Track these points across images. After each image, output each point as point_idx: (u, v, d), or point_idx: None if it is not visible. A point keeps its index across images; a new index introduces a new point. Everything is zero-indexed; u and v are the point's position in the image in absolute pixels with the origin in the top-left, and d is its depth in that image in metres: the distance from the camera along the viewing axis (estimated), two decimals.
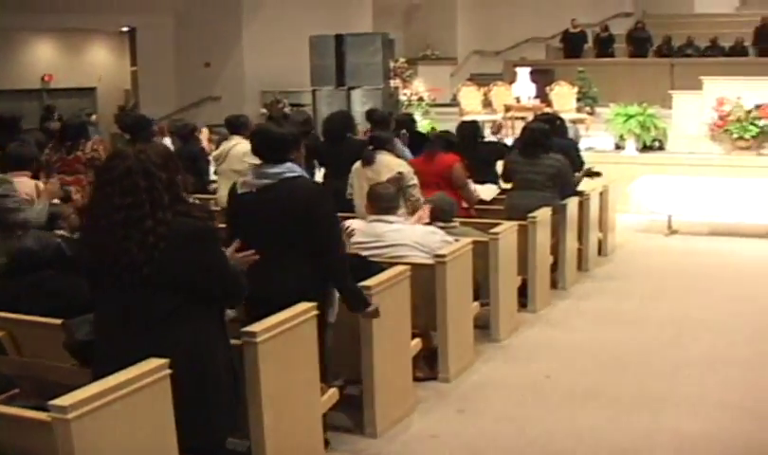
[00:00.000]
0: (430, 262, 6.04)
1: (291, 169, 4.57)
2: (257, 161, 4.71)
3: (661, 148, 14.07)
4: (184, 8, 18.86)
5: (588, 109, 17.70)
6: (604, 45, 23.17)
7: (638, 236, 11.59)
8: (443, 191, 7.57)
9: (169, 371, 3.42)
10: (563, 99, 17.65)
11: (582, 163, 9.92)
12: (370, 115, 10.13)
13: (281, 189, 4.54)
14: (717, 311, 8.09)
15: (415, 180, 7.63)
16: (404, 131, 9.68)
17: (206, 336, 3.56)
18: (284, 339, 4.31)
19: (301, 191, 4.58)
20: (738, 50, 22.18)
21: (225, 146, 9.11)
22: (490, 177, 9.44)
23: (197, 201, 6.75)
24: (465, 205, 8.33)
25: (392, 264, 5.60)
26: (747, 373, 6.41)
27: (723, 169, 12.73)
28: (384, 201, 6.24)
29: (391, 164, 7.68)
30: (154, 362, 3.41)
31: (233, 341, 3.96)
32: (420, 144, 9.15)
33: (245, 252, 3.99)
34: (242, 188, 4.68)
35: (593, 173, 9.88)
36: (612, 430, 5.42)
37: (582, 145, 11.69)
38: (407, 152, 8.91)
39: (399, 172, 7.54)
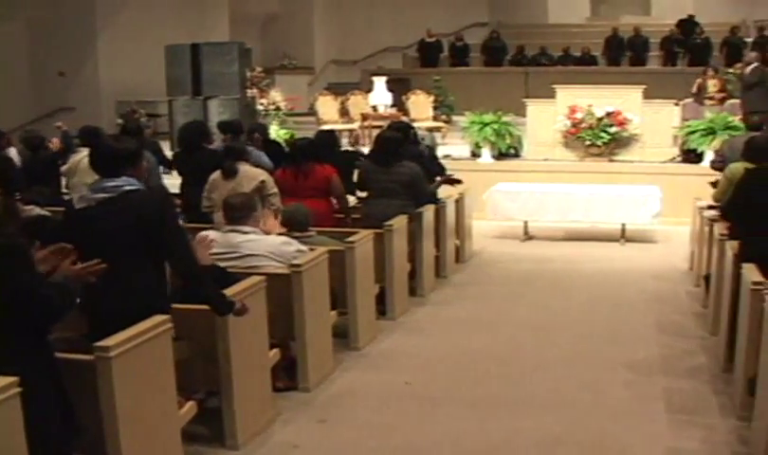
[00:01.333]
0: (286, 271, 6.12)
1: (129, 182, 4.47)
2: None
3: (516, 155, 14.45)
4: (36, 15, 18.34)
5: (444, 117, 18.10)
6: (460, 55, 23.69)
7: (495, 242, 11.91)
8: (318, 202, 7.66)
9: (18, 389, 3.40)
10: (420, 107, 17.99)
11: (442, 169, 10.16)
12: (222, 125, 10.11)
13: (121, 201, 4.45)
14: (573, 314, 8.43)
15: (276, 189, 7.72)
16: (257, 134, 9.75)
17: (23, 354, 3.53)
18: (139, 353, 4.28)
19: (144, 201, 4.51)
20: (587, 59, 23.04)
21: (74, 159, 8.94)
22: (347, 187, 9.55)
23: (48, 213, 6.69)
24: (340, 215, 8.48)
25: (248, 275, 5.65)
26: (604, 374, 6.70)
27: (577, 175, 13.20)
28: (237, 210, 6.27)
29: (252, 174, 7.74)
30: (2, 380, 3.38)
31: (84, 357, 3.93)
32: (274, 153, 9.20)
33: (87, 263, 3.96)
34: (79, 202, 4.58)
35: (453, 180, 10.13)
36: (473, 434, 5.57)
37: (439, 153, 11.94)
38: (264, 158, 8.97)
39: (261, 181, 7.62)
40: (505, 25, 25.48)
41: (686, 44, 23.10)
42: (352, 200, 9.39)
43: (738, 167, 8.24)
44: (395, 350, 7.39)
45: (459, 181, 10.23)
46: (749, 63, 15.34)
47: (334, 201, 8.53)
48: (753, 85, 14.81)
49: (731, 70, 17.74)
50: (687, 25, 23.43)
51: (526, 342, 7.56)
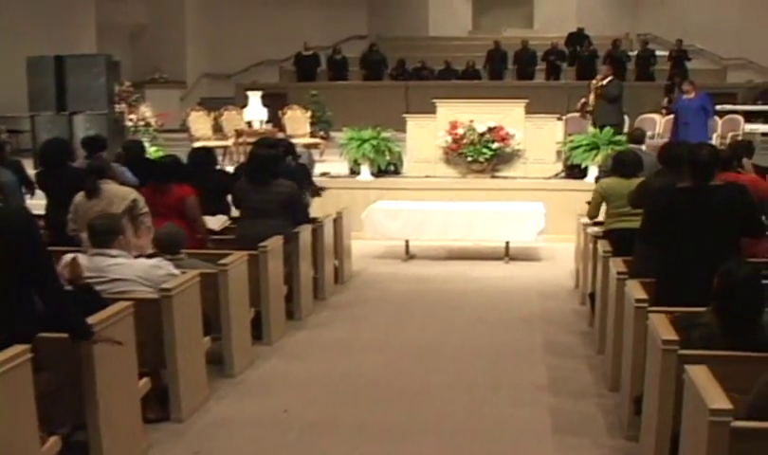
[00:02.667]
0: (156, 296, 6.04)
1: None
2: None
3: (396, 172, 14.56)
4: None
5: (322, 133, 18.15)
6: (338, 68, 23.88)
7: (375, 262, 11.98)
8: (173, 222, 7.56)
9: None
10: (297, 123, 18.02)
11: (318, 189, 10.20)
12: (85, 141, 9.93)
13: None
14: (457, 335, 8.52)
15: (147, 208, 7.62)
16: (119, 149, 9.63)
17: None
18: None
19: (3, 225, 4.43)
20: (470, 73, 23.48)
21: None
22: (222, 207, 9.48)
23: None
24: (199, 236, 8.38)
25: (116, 300, 5.56)
26: (489, 396, 6.80)
27: (459, 192, 13.40)
28: (102, 233, 6.16)
29: (122, 194, 7.63)
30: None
31: None
32: (149, 171, 9.06)
33: None
34: None
35: (316, 190, 10.17)
36: None
37: (317, 170, 11.96)
38: (128, 174, 8.84)
39: (133, 200, 7.52)
40: (385, 37, 25.76)
41: (573, 57, 23.77)
42: (224, 221, 9.30)
43: (608, 182, 8.56)
44: (273, 376, 7.35)
45: (322, 188, 10.25)
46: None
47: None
48: (615, 98, 15.32)
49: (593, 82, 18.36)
50: (576, 38, 24.11)
51: (409, 365, 7.61)
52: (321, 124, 18.59)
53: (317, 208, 10.10)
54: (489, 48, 24.11)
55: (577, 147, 13.68)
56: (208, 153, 10.13)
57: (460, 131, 13.99)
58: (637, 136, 10.74)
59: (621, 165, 8.61)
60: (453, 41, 25.85)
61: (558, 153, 14.49)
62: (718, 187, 5.88)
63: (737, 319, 4.70)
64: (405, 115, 14.88)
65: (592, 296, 8.40)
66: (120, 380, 5.38)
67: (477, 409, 6.51)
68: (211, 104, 20.01)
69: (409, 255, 12.23)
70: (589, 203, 8.89)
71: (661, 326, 4.94)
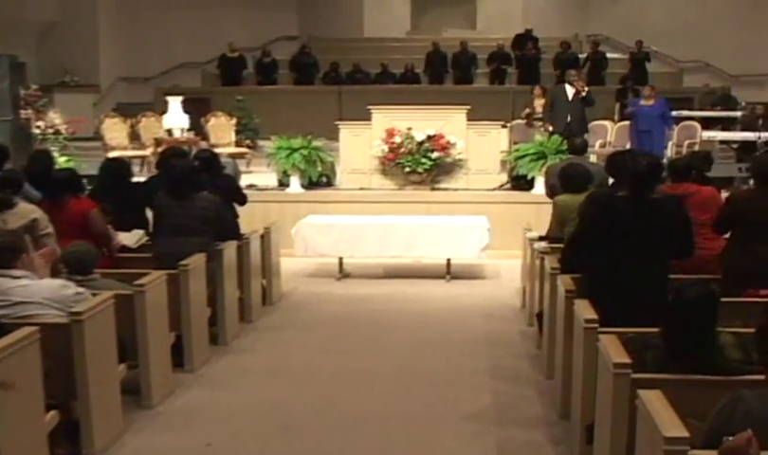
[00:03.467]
0: (65, 320, 5.95)
1: None
2: None
3: (329, 184, 14.55)
4: None
5: (249, 142, 18.10)
6: (266, 71, 23.86)
7: (307, 282, 11.96)
8: (78, 240, 7.45)
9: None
10: (221, 131, 17.96)
11: (244, 200, 10.14)
12: None
13: None
14: (395, 360, 8.51)
15: (50, 228, 7.51)
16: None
17: None
18: None
19: None
20: (409, 77, 23.59)
21: None
22: (140, 222, 9.39)
23: None
24: (108, 253, 8.29)
25: (20, 325, 5.45)
26: (431, 426, 6.80)
27: (397, 205, 13.41)
28: (3, 252, 6.05)
29: (23, 212, 7.50)
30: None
31: None
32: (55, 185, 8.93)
33: None
34: None
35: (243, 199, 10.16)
36: None
37: (243, 182, 11.89)
38: (34, 192, 8.71)
39: (33, 219, 7.40)
40: (317, 38, 25.78)
41: (518, 60, 23.99)
42: (140, 236, 9.21)
43: (563, 199, 8.61)
44: (195, 406, 7.28)
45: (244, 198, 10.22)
46: (583, 86, 16.05)
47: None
48: (551, 105, 15.56)
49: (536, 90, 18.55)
50: (522, 40, 24.31)
51: (343, 393, 7.59)
52: (248, 132, 18.56)
53: (242, 222, 10.03)
54: (429, 50, 24.25)
55: (523, 156, 13.78)
56: (121, 164, 10.04)
57: (397, 139, 14.01)
58: (578, 147, 10.78)
59: (570, 180, 8.67)
60: (390, 42, 25.94)
61: (503, 162, 14.57)
62: (655, 200, 6.07)
63: (690, 341, 4.76)
64: (338, 122, 14.89)
65: (539, 316, 8.45)
66: (24, 413, 5.28)
67: (417, 442, 6.50)
68: (128, 110, 19.84)
69: (342, 273, 12.21)
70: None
71: (612, 348, 4.98)
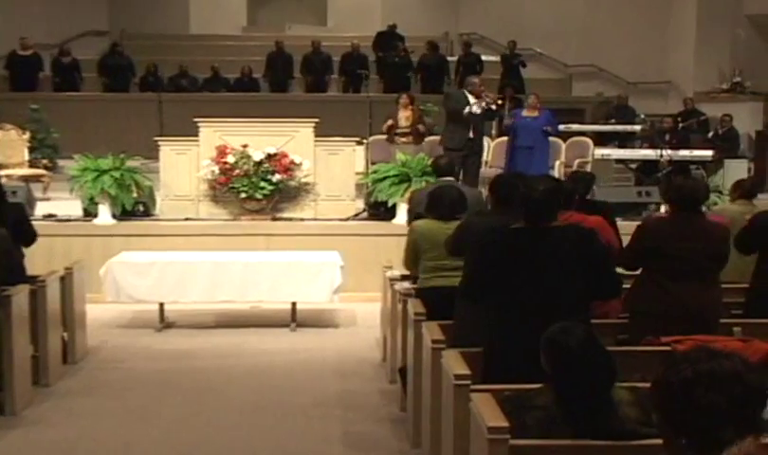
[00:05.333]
0: None
1: None
2: None
3: (147, 214, 14.44)
4: None
5: (46, 162, 17.80)
6: (67, 74, 23.49)
7: (120, 334, 11.82)
8: None
9: None
10: (10, 148, 17.62)
11: (32, 238, 9.92)
12: None
13: None
14: (226, 431, 8.43)
15: None
16: None
17: None
18: None
19: None
20: (245, 83, 23.59)
21: None
22: None
23: None
24: None
25: None
26: None
27: (230, 239, 13.43)
28: None
29: None
30: None
31: None
32: None
33: None
34: None
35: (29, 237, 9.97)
36: None
37: (39, 212, 11.70)
38: None
39: None
40: (132, 35, 25.64)
41: (379, 63, 24.11)
42: None
43: (422, 225, 8.65)
44: None
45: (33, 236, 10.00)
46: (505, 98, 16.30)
47: None
48: (449, 116, 15.64)
49: (429, 103, 18.75)
50: (386, 39, 24.44)
51: None
52: (45, 150, 18.26)
53: (38, 261, 9.84)
54: (270, 51, 24.26)
55: (383, 179, 13.88)
56: None
57: (231, 159, 13.96)
58: (444, 168, 10.71)
59: (438, 203, 8.67)
60: (222, 41, 25.95)
61: (359, 186, 14.66)
62: (560, 229, 6.06)
63: (577, 399, 4.82)
64: (158, 138, 14.76)
65: (403, 371, 8.48)
66: None
67: None
68: None
69: (164, 323, 12.11)
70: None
71: (486, 409, 5.01)
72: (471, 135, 15.27)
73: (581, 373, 4.80)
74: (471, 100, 15.37)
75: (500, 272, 5.99)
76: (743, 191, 10.43)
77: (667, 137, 18.00)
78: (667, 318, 6.95)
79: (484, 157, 17.83)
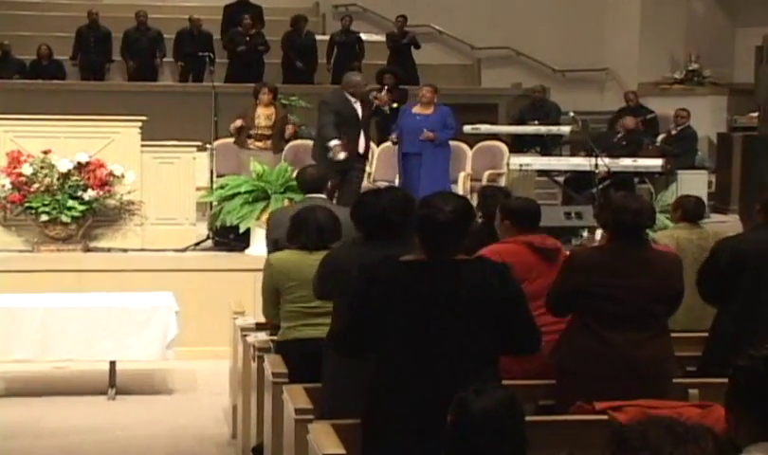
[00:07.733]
0: None
1: None
2: None
3: None
4: None
5: None
6: None
7: None
8: None
9: None
10: None
11: None
12: None
13: None
14: None
15: None
16: None
17: None
18: None
19: None
20: (46, 67, 23.41)
21: None
22: None
23: None
24: None
25: None
26: None
27: (28, 277, 13.36)
28: None
29: None
30: None
31: None
32: None
33: None
34: None
35: None
36: None
37: None
38: None
39: None
40: None
41: (228, 45, 24.03)
42: None
43: (281, 258, 8.63)
44: None
45: None
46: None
47: None
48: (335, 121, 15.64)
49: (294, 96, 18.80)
50: (236, 12, 24.33)
51: None
52: None
53: None
54: (81, 25, 24.07)
55: (233, 196, 13.86)
56: None
57: (26, 169, 13.83)
58: (312, 182, 10.70)
59: (303, 229, 8.59)
60: (14, 9, 25.63)
61: (201, 206, 14.64)
62: (466, 263, 6.05)
63: None
64: None
65: (258, 452, 8.48)
66: None
67: None
68: None
69: None
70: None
71: None
72: (361, 144, 15.42)
73: (483, 443, 4.78)
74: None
75: (382, 320, 5.92)
76: (685, 212, 10.52)
77: (624, 143, 17.93)
78: (603, 378, 7.01)
79: (367, 168, 17.73)
